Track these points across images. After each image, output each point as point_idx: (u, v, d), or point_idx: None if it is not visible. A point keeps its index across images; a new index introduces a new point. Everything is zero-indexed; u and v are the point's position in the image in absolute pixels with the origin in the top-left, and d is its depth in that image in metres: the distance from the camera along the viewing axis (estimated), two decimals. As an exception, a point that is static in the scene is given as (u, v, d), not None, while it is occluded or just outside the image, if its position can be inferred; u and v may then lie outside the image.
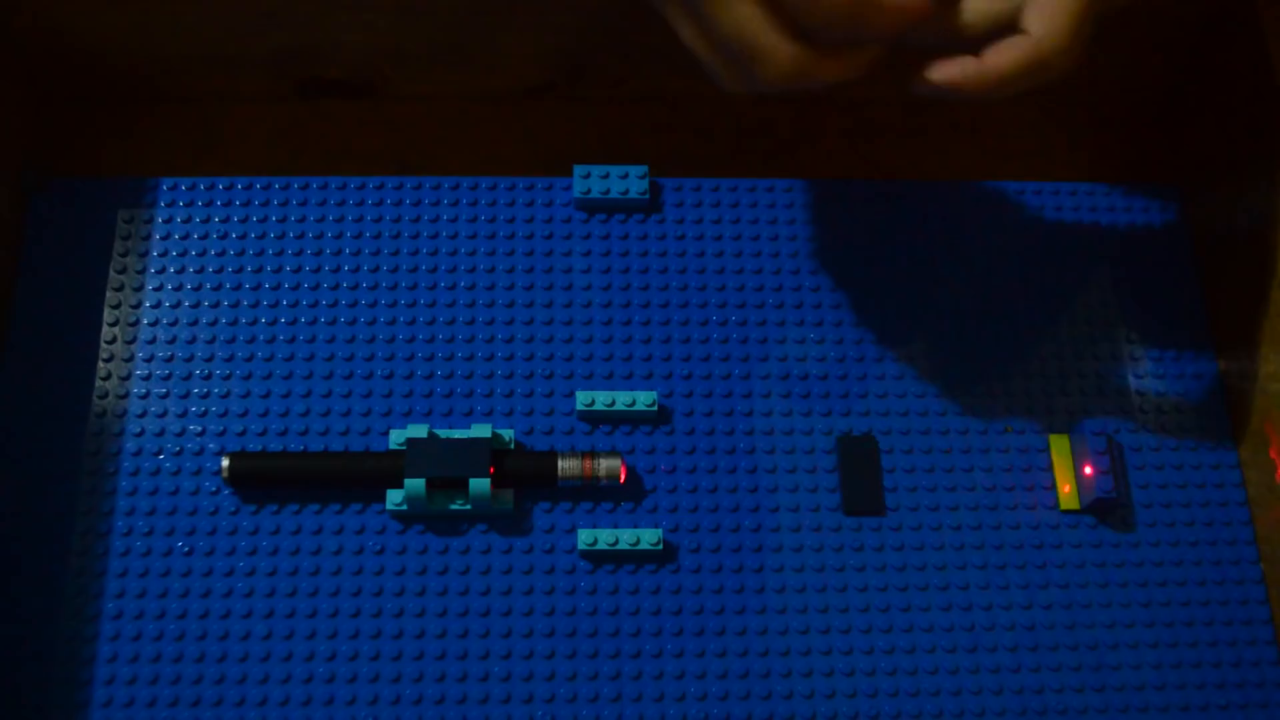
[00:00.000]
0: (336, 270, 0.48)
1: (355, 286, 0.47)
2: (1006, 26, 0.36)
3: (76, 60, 0.50)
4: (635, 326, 0.47)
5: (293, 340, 0.47)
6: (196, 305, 0.47)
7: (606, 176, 0.49)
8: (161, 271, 0.47)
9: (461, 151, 0.52)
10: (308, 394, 0.46)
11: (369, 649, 0.42)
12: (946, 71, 0.36)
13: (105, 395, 0.45)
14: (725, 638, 0.43)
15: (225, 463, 0.43)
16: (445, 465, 0.43)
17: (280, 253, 0.48)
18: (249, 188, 0.49)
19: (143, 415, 0.45)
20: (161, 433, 0.45)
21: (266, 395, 0.46)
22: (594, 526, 0.44)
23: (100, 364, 0.46)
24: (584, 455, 0.44)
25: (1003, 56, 0.35)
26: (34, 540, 0.43)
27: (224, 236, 0.48)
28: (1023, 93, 0.37)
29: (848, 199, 0.50)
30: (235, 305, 0.47)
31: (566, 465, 0.44)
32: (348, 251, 0.48)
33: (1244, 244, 0.47)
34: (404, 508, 0.43)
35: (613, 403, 0.45)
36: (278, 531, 0.44)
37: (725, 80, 0.37)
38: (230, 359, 0.46)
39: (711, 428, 0.46)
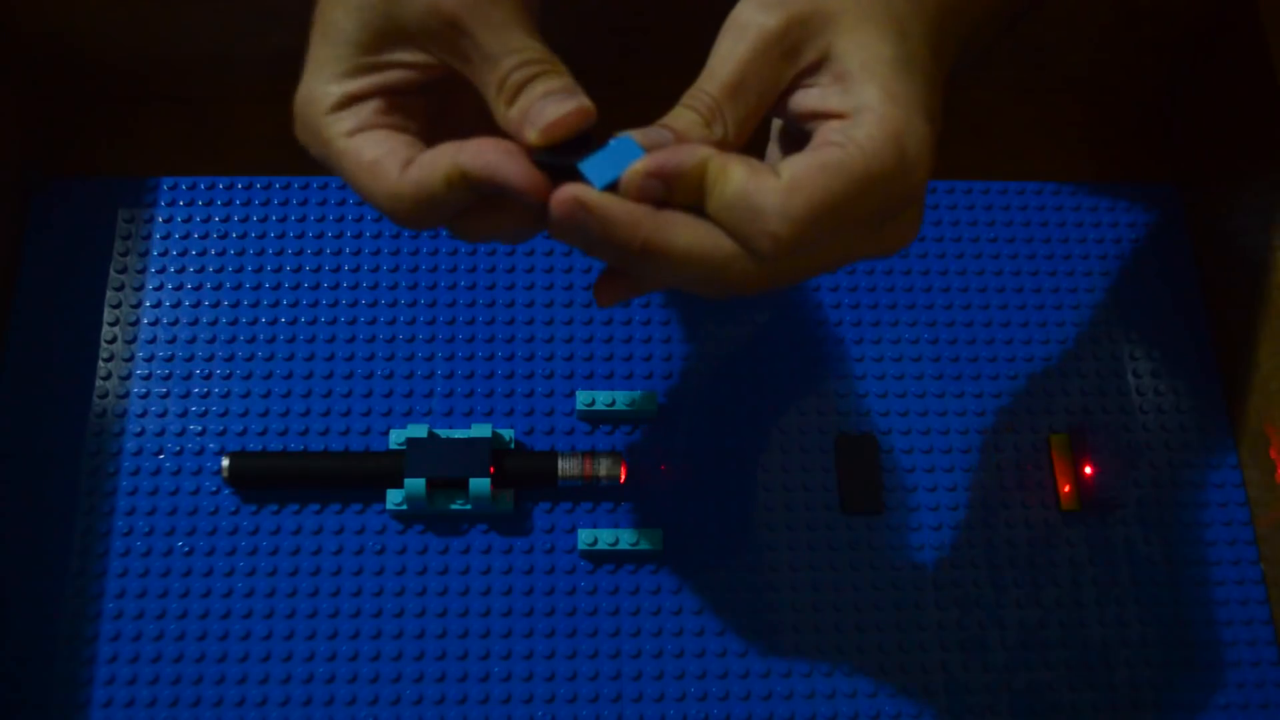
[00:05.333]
0: (336, 270, 0.48)
1: (355, 286, 0.47)
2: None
3: (76, 60, 0.50)
4: (635, 326, 0.47)
5: (293, 340, 0.47)
6: (196, 305, 0.47)
7: (606, 176, 0.49)
8: (161, 271, 0.47)
9: (461, 151, 0.52)
10: (308, 394, 0.46)
11: (369, 649, 0.42)
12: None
13: (105, 395, 0.45)
14: (725, 638, 0.43)
15: (225, 463, 0.43)
16: (445, 465, 0.43)
17: (280, 253, 0.48)
18: (249, 188, 0.49)
19: (143, 415, 0.45)
20: (161, 433, 0.45)
21: (266, 395, 0.46)
22: (594, 526, 0.44)
23: (100, 364, 0.46)
24: (584, 455, 0.44)
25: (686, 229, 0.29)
26: (34, 540, 0.43)
27: (224, 236, 0.48)
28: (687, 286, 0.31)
29: (848, 199, 0.50)
30: (235, 305, 0.47)
31: (566, 465, 0.44)
32: (348, 251, 0.48)
33: (1243, 244, 0.47)
34: (404, 508, 0.43)
35: (613, 403, 0.45)
36: (278, 531, 0.44)
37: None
38: (230, 359, 0.46)
39: (711, 428, 0.46)
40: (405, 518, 0.44)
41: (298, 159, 0.51)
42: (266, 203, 0.49)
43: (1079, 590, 0.44)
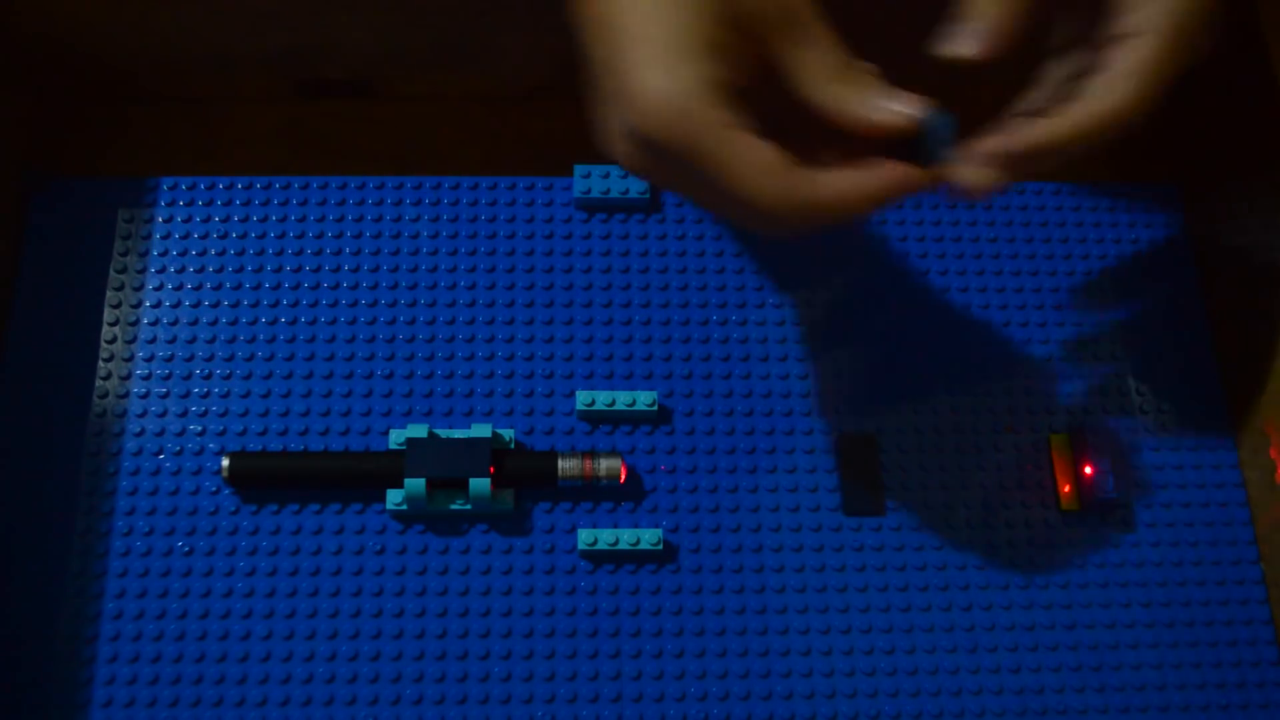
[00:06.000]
0: (336, 270, 0.48)
1: (355, 286, 0.47)
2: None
3: (76, 60, 0.50)
4: (635, 326, 0.47)
5: (293, 340, 0.47)
6: (196, 305, 0.47)
7: (607, 176, 0.49)
8: (161, 271, 0.47)
9: (461, 151, 0.52)
10: (308, 394, 0.46)
11: (369, 649, 0.42)
12: (1009, 141, 0.35)
13: (105, 395, 0.45)
14: (725, 638, 0.43)
15: (225, 463, 0.43)
16: (445, 465, 0.43)
17: (280, 253, 0.48)
18: (249, 188, 0.49)
19: (143, 415, 0.45)
20: (161, 433, 0.45)
21: (266, 395, 0.46)
22: (594, 526, 0.44)
23: (100, 364, 0.46)
24: (584, 455, 0.44)
25: (1071, 116, 0.35)
26: (34, 540, 0.43)
27: (224, 236, 0.48)
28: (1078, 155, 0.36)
29: (848, 199, 0.50)
30: (235, 305, 0.47)
31: (566, 465, 0.44)
32: (348, 251, 0.48)
33: (1244, 244, 0.47)
34: (404, 508, 0.43)
35: (613, 403, 0.45)
36: (278, 531, 0.44)
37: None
38: (230, 359, 0.46)
39: (711, 428, 0.46)
40: (405, 518, 0.44)
41: (298, 159, 0.52)
42: (266, 203, 0.49)
43: (1079, 590, 0.44)
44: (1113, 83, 0.35)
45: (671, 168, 0.33)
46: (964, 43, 0.34)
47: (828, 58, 0.34)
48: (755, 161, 0.32)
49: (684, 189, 0.35)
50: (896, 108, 0.33)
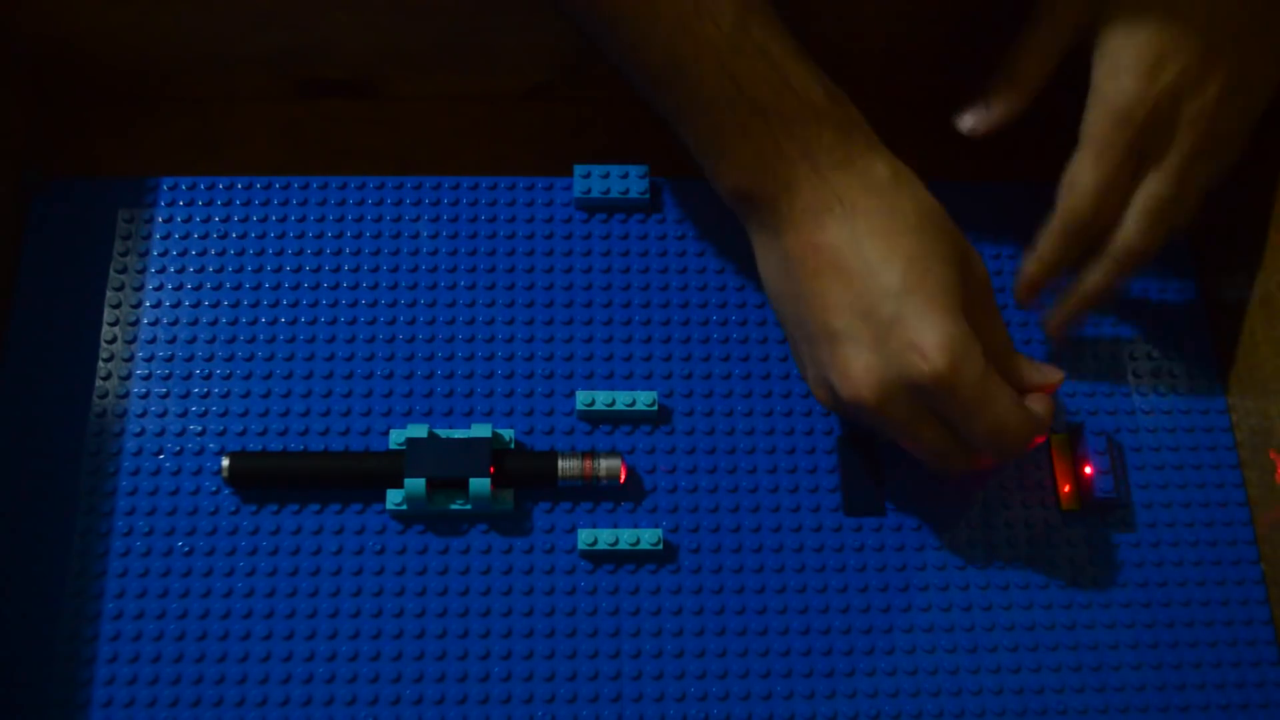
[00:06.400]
0: (336, 270, 0.48)
1: (355, 286, 0.47)
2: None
3: (76, 60, 0.50)
4: (635, 326, 0.47)
5: (293, 340, 0.47)
6: (196, 305, 0.47)
7: (606, 176, 0.49)
8: (161, 271, 0.47)
9: (461, 151, 0.52)
10: (308, 394, 0.46)
11: (369, 649, 0.42)
12: (1061, 320, 0.45)
13: (105, 395, 0.45)
14: (725, 638, 0.43)
15: (225, 463, 0.43)
16: (445, 465, 0.43)
17: (280, 253, 0.48)
18: (249, 188, 0.49)
19: (143, 415, 0.45)
20: (161, 433, 0.45)
21: (266, 395, 0.46)
22: (594, 526, 0.44)
23: (100, 364, 0.46)
24: (584, 455, 0.44)
25: (1091, 279, 0.44)
26: (34, 540, 0.43)
27: (224, 236, 0.48)
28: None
29: (848, 199, 0.50)
30: (235, 305, 0.47)
31: (566, 465, 0.44)
32: (348, 251, 0.48)
33: (1243, 244, 0.47)
34: (404, 508, 0.43)
35: (613, 403, 0.45)
36: (278, 531, 0.44)
37: (956, 466, 0.41)
38: (230, 359, 0.46)
39: (711, 428, 0.46)
40: (405, 518, 0.44)
41: (298, 159, 0.52)
42: (266, 203, 0.49)
43: (1079, 590, 0.44)
44: (1059, 194, 0.43)
45: (924, 412, 0.38)
46: (971, 121, 0.44)
47: (1004, 329, 0.41)
48: (1011, 396, 0.38)
49: (922, 432, 0.39)
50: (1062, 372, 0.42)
